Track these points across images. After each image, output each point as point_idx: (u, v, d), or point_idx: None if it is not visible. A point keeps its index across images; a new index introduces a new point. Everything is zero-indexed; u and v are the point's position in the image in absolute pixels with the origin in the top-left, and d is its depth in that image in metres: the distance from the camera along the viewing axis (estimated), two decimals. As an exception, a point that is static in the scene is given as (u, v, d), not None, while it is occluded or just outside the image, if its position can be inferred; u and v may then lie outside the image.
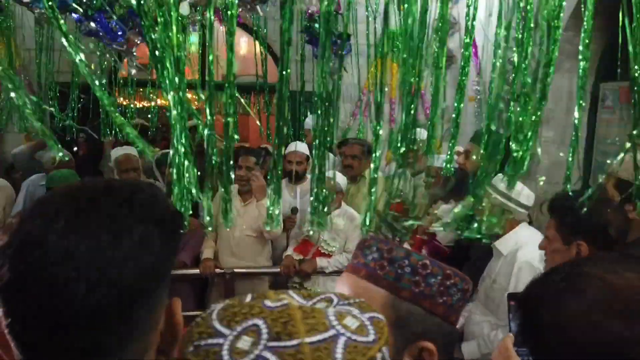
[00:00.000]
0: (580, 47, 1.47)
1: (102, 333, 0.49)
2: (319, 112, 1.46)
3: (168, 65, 1.23)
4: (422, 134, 1.92)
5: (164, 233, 0.53)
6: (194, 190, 1.33)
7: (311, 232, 3.19)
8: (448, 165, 1.87)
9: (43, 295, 0.47)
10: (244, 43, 5.44)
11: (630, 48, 1.41)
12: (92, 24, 1.64)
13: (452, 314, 0.80)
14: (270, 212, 1.53)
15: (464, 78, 1.74)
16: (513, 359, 1.04)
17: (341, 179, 3.20)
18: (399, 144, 1.68)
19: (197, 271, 3.15)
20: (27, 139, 4.65)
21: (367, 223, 1.57)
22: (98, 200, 0.52)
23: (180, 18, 1.27)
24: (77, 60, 1.25)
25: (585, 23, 1.42)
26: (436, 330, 0.77)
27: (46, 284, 0.47)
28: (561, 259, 1.54)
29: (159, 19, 1.19)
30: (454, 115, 1.83)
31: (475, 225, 1.58)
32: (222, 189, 1.46)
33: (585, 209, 1.47)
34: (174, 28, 1.21)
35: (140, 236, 0.51)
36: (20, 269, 0.48)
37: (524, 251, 2.07)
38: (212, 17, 1.34)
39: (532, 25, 1.38)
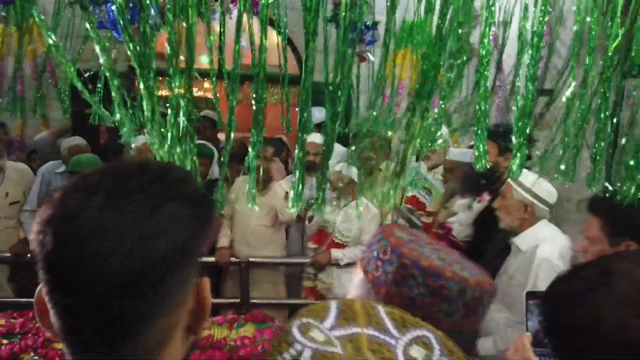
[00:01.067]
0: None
1: (134, 303, 0.51)
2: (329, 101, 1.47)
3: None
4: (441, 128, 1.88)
5: (194, 211, 0.55)
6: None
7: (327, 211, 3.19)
8: (483, 162, 1.83)
9: (80, 264, 0.50)
10: (262, 33, 5.42)
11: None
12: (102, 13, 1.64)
13: (415, 309, 0.66)
14: (293, 195, 1.54)
15: (484, 72, 1.70)
16: (531, 358, 1.02)
17: (352, 170, 3.19)
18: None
19: (212, 259, 3.18)
20: (44, 126, 4.72)
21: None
22: (133, 177, 0.55)
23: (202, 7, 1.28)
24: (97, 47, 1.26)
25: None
26: None
27: (83, 254, 0.50)
28: None
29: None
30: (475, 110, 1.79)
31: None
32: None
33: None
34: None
35: (172, 212, 0.53)
36: (60, 239, 0.51)
37: (543, 248, 2.04)
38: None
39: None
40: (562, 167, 1.51)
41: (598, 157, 1.51)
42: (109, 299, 0.50)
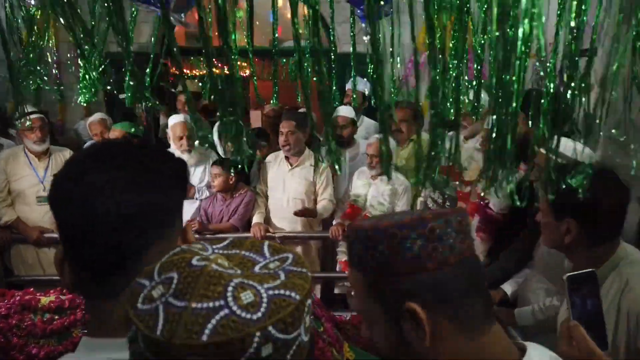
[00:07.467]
0: None
1: (133, 232, 0.68)
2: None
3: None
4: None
5: (173, 169, 0.75)
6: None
7: (356, 195, 3.17)
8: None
9: (87, 212, 0.66)
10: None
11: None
12: None
13: (425, 263, 0.71)
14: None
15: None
16: (594, 350, 0.95)
17: (390, 142, 3.14)
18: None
19: (249, 235, 3.24)
20: (86, 112, 4.86)
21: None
22: (123, 148, 0.76)
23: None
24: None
25: None
26: (415, 287, 0.72)
27: (88, 205, 0.66)
28: (552, 234, 1.47)
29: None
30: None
31: None
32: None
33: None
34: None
35: (156, 169, 0.73)
36: (69, 195, 0.68)
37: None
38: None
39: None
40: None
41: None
42: (107, 231, 0.66)
